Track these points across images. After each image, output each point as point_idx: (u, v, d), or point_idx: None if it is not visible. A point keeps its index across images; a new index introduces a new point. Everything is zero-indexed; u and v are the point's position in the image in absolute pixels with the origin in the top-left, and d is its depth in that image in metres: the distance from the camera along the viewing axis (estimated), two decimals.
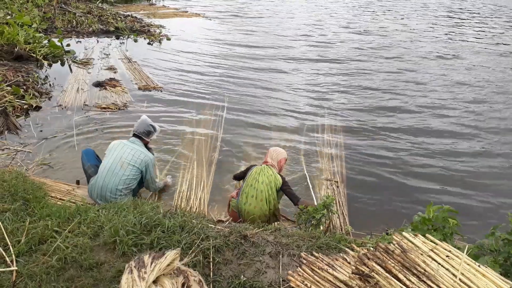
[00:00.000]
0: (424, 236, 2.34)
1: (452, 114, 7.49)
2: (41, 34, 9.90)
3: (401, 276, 1.96)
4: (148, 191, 4.59)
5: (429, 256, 2.12)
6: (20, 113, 6.24)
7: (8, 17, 10.31)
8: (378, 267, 2.04)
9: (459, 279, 1.97)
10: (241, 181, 4.29)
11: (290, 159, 5.46)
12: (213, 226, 3.22)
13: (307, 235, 3.20)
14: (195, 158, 5.38)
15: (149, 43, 11.61)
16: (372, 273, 2.03)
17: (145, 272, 2.05)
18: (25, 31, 9.22)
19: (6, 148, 5.25)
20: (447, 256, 2.12)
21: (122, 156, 4.09)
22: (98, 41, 11.30)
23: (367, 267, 2.08)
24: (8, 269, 2.43)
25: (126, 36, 12.02)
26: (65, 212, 3.18)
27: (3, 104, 6.11)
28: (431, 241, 2.27)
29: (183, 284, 2.14)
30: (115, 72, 8.63)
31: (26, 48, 8.54)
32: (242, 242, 2.93)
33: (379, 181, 5.38)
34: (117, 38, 11.84)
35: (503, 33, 15.59)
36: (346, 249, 2.80)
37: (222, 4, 19.31)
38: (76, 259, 2.62)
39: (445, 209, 2.85)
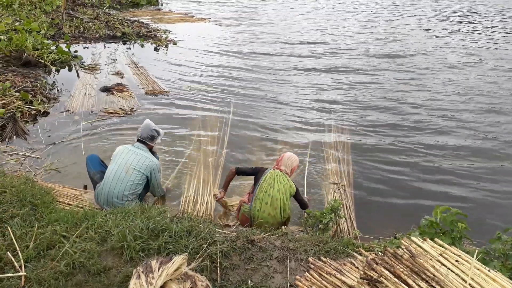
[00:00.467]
0: (432, 240, 2.32)
1: (463, 119, 7.41)
2: (49, 40, 10.00)
3: (410, 282, 1.94)
4: (152, 196, 4.59)
5: (438, 261, 2.10)
6: (29, 119, 6.29)
7: (17, 23, 10.42)
8: (387, 272, 2.02)
9: (469, 284, 1.95)
10: (253, 186, 4.23)
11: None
12: (220, 230, 3.22)
13: (315, 239, 3.18)
14: (201, 162, 5.38)
15: (155, 48, 11.67)
16: (381, 278, 2.02)
17: (153, 278, 2.05)
18: (33, 37, 9.31)
19: (15, 153, 5.30)
20: (456, 260, 2.10)
21: (127, 162, 4.10)
22: (105, 46, 11.38)
23: (376, 272, 2.06)
24: (17, 274, 2.45)
25: (133, 41, 12.09)
26: (73, 217, 3.19)
27: (12, 110, 6.17)
28: (440, 245, 2.25)
29: None
30: (122, 77, 8.68)
31: (34, 54, 8.63)
32: (250, 247, 2.93)
33: (386, 185, 5.34)
34: (124, 43, 11.92)
35: None
36: (354, 253, 2.79)
37: (229, 10, 19.30)
38: (84, 264, 2.63)
39: (453, 212, 2.82)
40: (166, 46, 11.93)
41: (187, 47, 12.05)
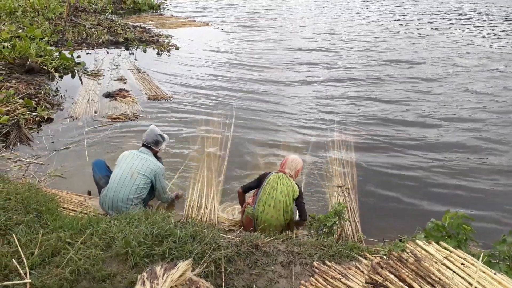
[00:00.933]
0: (437, 243, 2.31)
1: (468, 126, 7.31)
2: (52, 47, 10.06)
3: (415, 285, 1.93)
4: (156, 201, 4.60)
5: (444, 264, 2.09)
6: (32, 125, 6.32)
7: (20, 30, 10.50)
8: (392, 276, 2.02)
9: (475, 287, 1.94)
10: (257, 189, 4.20)
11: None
12: (224, 235, 3.21)
13: (319, 243, 3.18)
14: (205, 167, 5.39)
15: (158, 53, 11.71)
16: (386, 282, 2.01)
17: (158, 284, 2.05)
18: (36, 44, 9.37)
19: (19, 160, 5.32)
20: (462, 264, 2.09)
21: (132, 166, 4.12)
22: (107, 52, 11.43)
23: (381, 276, 2.05)
24: (22, 281, 2.45)
25: (135, 46, 12.14)
26: (78, 224, 3.20)
27: (16, 117, 6.20)
28: (445, 248, 2.24)
29: None
30: (125, 83, 8.71)
31: (38, 60, 8.67)
32: (254, 252, 2.92)
33: (390, 186, 5.34)
34: (127, 49, 11.97)
35: None
36: (359, 257, 2.78)
37: (233, 15, 19.28)
38: (89, 270, 2.63)
39: (460, 215, 2.80)
40: (169, 51, 11.97)
41: (189, 51, 12.08)
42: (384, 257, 2.57)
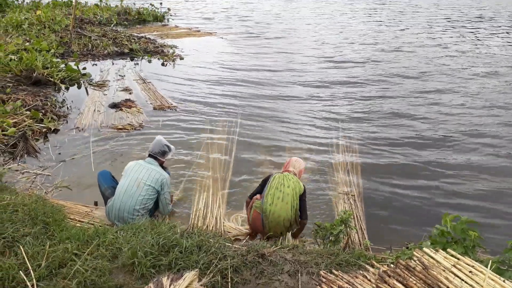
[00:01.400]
0: (444, 250, 2.29)
1: (477, 133, 7.26)
2: (58, 59, 10.17)
3: None
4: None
5: (452, 272, 2.07)
6: (39, 137, 6.38)
7: (27, 43, 10.64)
8: (399, 285, 2.00)
9: None
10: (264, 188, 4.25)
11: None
12: (230, 245, 3.20)
13: (326, 252, 3.16)
14: (210, 176, 5.40)
15: (162, 64, 11.79)
16: None
17: None
18: (43, 56, 9.49)
19: (26, 171, 5.36)
20: (470, 271, 2.07)
21: (138, 177, 4.14)
22: (113, 63, 11.53)
23: (388, 285, 2.04)
24: None
25: (140, 57, 12.24)
26: (84, 235, 3.20)
27: (23, 128, 6.26)
28: (453, 256, 2.22)
29: None
30: (130, 93, 8.77)
31: (44, 72, 8.77)
32: (260, 261, 2.91)
33: (397, 194, 5.31)
34: (132, 59, 12.07)
35: None
36: (366, 265, 2.76)
37: (238, 25, 19.35)
38: (96, 282, 2.63)
39: (463, 221, 2.76)
40: (173, 61, 12.05)
41: (194, 61, 12.16)
42: (391, 265, 2.54)
